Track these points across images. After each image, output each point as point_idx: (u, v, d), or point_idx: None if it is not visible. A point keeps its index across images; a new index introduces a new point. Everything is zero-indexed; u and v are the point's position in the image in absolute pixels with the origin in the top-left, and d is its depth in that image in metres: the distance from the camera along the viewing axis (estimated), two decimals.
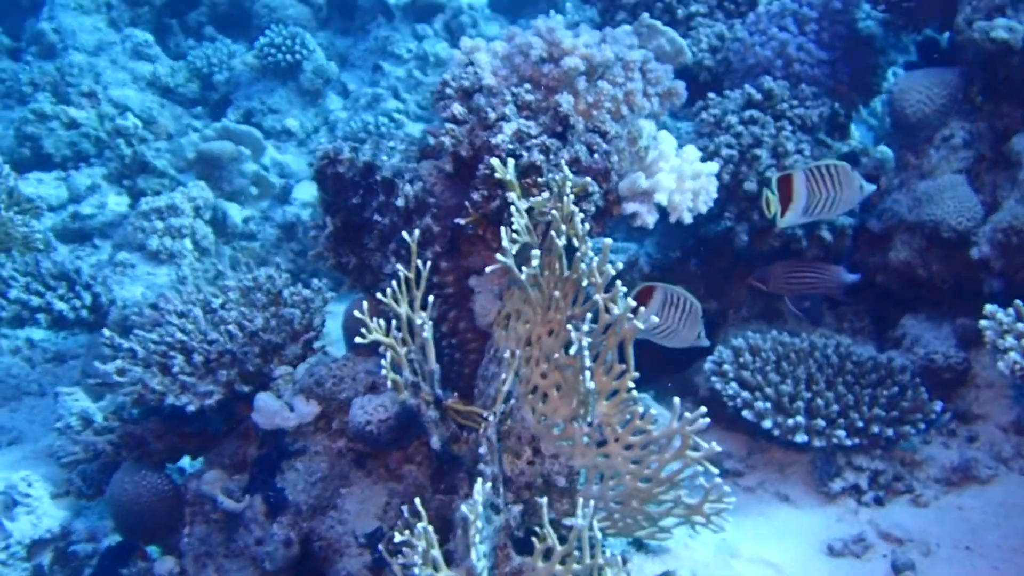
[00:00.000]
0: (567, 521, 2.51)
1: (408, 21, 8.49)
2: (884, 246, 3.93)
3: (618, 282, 2.20)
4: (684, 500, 2.36)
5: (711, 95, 3.92)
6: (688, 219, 2.68)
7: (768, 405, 3.17)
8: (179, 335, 2.99)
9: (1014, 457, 3.26)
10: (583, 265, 2.25)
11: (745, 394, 3.20)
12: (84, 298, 4.75)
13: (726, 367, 3.32)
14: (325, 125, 7.92)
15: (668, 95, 2.82)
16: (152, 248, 5.29)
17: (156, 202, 5.47)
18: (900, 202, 3.83)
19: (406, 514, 2.52)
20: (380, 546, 2.67)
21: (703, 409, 2.19)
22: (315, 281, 3.32)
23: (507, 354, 2.34)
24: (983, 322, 2.77)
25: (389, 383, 2.35)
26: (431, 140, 2.87)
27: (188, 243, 5.38)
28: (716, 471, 2.25)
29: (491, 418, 2.33)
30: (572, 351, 2.21)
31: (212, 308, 3.14)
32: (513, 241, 2.29)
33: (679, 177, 2.65)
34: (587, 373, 2.17)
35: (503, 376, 2.32)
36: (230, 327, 2.99)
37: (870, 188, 3.13)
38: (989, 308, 2.79)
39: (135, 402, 2.98)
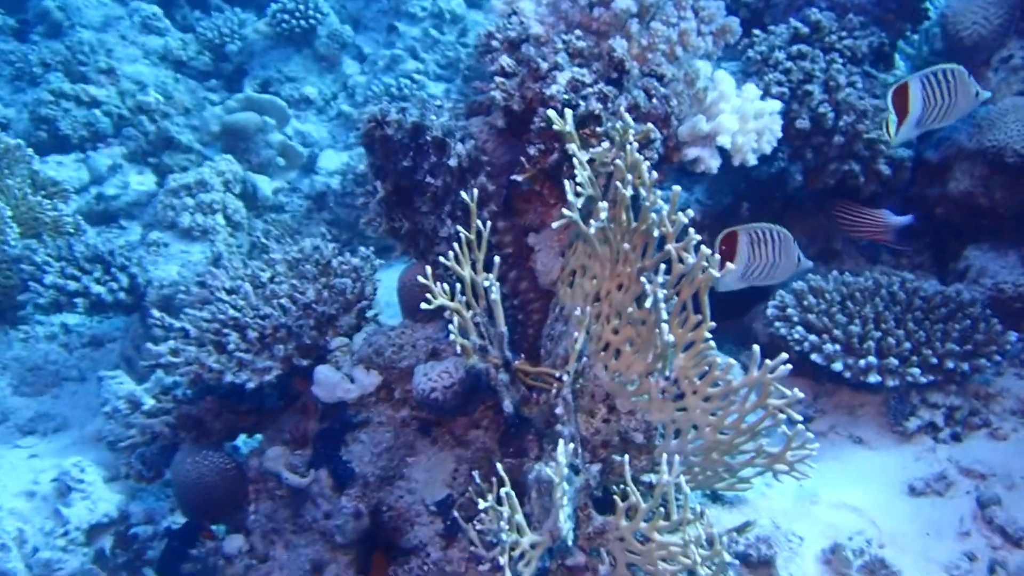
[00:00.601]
0: (645, 477, 2.51)
1: None
2: (943, 177, 3.87)
3: (691, 230, 2.15)
4: (766, 449, 2.33)
5: (755, 31, 3.85)
6: (753, 160, 2.63)
7: (838, 347, 3.14)
8: (231, 312, 2.98)
9: None
10: (653, 215, 2.21)
11: (813, 337, 3.17)
12: (120, 280, 4.75)
13: (790, 311, 3.28)
14: (344, 91, 7.86)
15: (722, 32, 2.76)
16: (184, 225, 5.29)
17: (185, 178, 5.45)
18: (959, 129, 3.76)
19: (477, 479, 2.52)
20: (454, 512, 2.67)
21: (784, 355, 2.16)
22: (362, 249, 3.30)
23: (577, 311, 2.31)
24: None
25: (458, 348, 2.33)
26: (478, 97, 2.82)
27: (220, 218, 5.37)
28: (800, 417, 2.21)
29: (565, 377, 2.30)
30: (647, 304, 2.17)
31: (261, 282, 3.13)
32: (577, 194, 2.26)
33: (741, 117, 2.60)
34: (664, 326, 2.14)
35: (574, 334, 2.29)
36: (282, 300, 2.98)
37: (986, 95, 3.00)
38: None
39: (192, 382, 2.98)
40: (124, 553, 3.77)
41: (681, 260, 2.20)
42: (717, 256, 2.16)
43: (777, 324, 3.30)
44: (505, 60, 2.62)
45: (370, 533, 2.85)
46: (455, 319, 2.33)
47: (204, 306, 3.12)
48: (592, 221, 2.20)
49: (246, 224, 5.56)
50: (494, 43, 2.71)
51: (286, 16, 7.68)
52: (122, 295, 4.75)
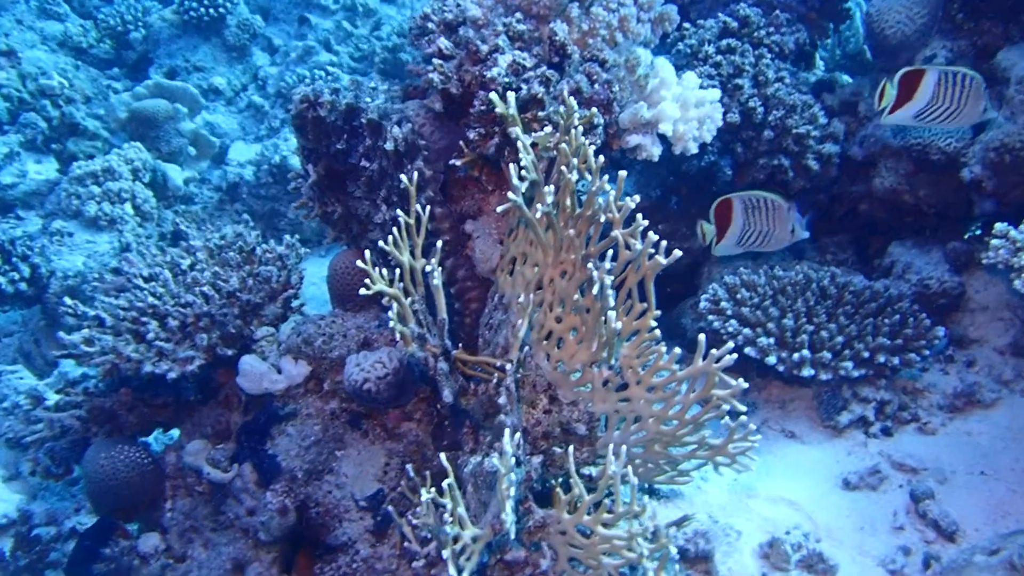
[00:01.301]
0: (586, 470, 2.48)
1: None
2: (868, 174, 3.93)
3: (639, 215, 2.13)
4: (709, 441, 2.31)
5: (686, 24, 3.86)
6: (694, 148, 2.63)
7: (771, 341, 3.15)
8: (151, 299, 2.87)
9: (1015, 379, 3.29)
10: (599, 200, 2.19)
11: (747, 331, 3.18)
12: (22, 270, 4.58)
13: (723, 304, 3.29)
14: (254, 82, 7.71)
15: (660, 20, 2.76)
16: (90, 215, 5.11)
17: (91, 166, 5.27)
18: (884, 127, 3.82)
19: (411, 473, 2.46)
20: (386, 507, 2.61)
21: (730, 344, 2.15)
22: (287, 237, 3.21)
23: (521, 298, 2.27)
24: (995, 241, 2.77)
25: (396, 335, 2.28)
26: (414, 80, 2.77)
27: (129, 208, 5.21)
28: (744, 408, 2.20)
29: (508, 366, 2.26)
30: (594, 291, 2.15)
31: (182, 270, 3.03)
32: (522, 178, 2.22)
33: (683, 105, 2.59)
34: (611, 314, 2.12)
35: (517, 322, 2.25)
36: (205, 288, 2.88)
37: (992, 115, 3.01)
38: (1000, 227, 2.79)
39: (107, 373, 2.86)
40: (25, 555, 3.62)
41: (628, 247, 2.18)
42: (663, 242, 2.15)
43: (711, 317, 3.30)
44: (443, 42, 2.57)
45: (296, 530, 2.76)
46: (394, 306, 2.28)
47: (120, 294, 3.00)
48: (538, 205, 2.17)
49: (156, 214, 5.40)
50: (430, 25, 2.66)
51: (194, 4, 7.49)
52: (23, 286, 4.58)
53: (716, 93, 2.68)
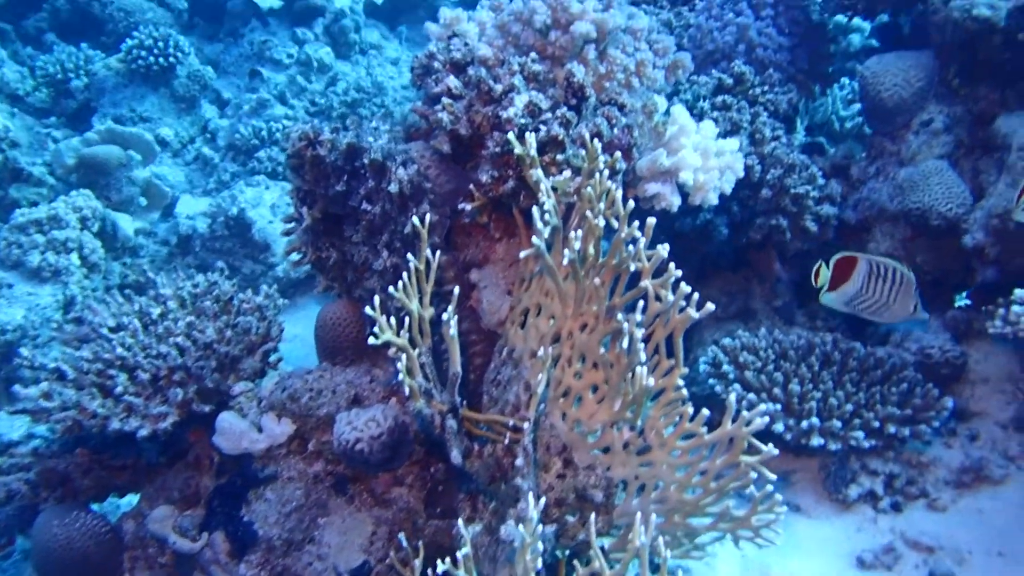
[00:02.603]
0: (598, 541, 2.34)
1: (285, 25, 8.22)
2: (862, 238, 3.89)
3: (671, 265, 2.03)
4: (732, 512, 2.19)
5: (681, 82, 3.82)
6: (714, 200, 2.55)
7: (778, 407, 3.06)
8: (119, 350, 2.70)
9: (1022, 455, 3.23)
10: (628, 248, 2.08)
11: (751, 396, 3.08)
12: None
13: (725, 368, 3.20)
14: (204, 134, 7.56)
15: (674, 68, 2.70)
16: (32, 265, 4.89)
17: (35, 213, 5.06)
18: (879, 191, 3.79)
19: (404, 543, 2.31)
20: None
21: (762, 407, 2.05)
22: (264, 287, 3.07)
23: (540, 352, 2.15)
24: (1016, 308, 2.72)
25: (406, 390, 2.14)
26: (416, 120, 2.67)
27: (75, 258, 5.00)
28: (773, 476, 2.09)
29: (526, 425, 2.13)
30: (624, 345, 2.03)
31: (152, 319, 2.86)
32: (545, 223, 2.11)
33: (703, 154, 2.51)
34: (642, 370, 2.00)
35: (537, 377, 2.13)
36: (179, 339, 2.72)
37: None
38: (1020, 293, 2.74)
39: (68, 430, 2.67)
40: None
41: (659, 298, 2.07)
42: (696, 295, 2.05)
43: (711, 381, 3.21)
44: (452, 81, 2.48)
45: None
46: (403, 357, 2.14)
47: (83, 344, 2.82)
48: (566, 251, 2.05)
49: (103, 265, 5.19)
50: (435, 64, 2.57)
51: (143, 52, 7.34)
52: None
53: (735, 143, 2.61)
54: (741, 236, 3.68)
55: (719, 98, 3.70)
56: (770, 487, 2.12)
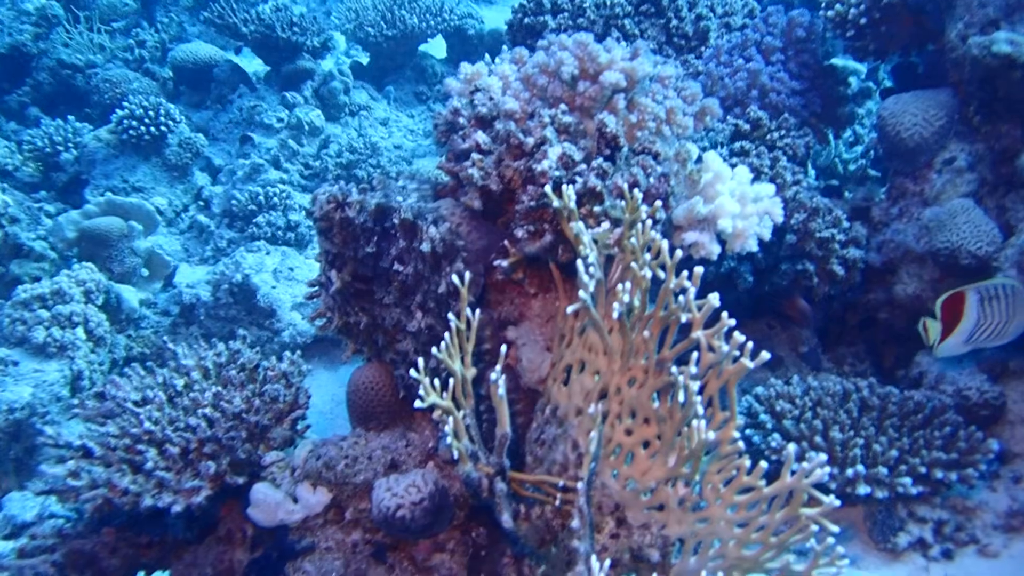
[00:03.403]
0: None
1: (273, 90, 8.25)
2: (887, 280, 3.87)
3: (724, 314, 2.01)
4: (793, 567, 2.15)
5: None
6: (754, 246, 2.53)
7: (821, 456, 3.01)
8: (147, 424, 2.65)
9: None
10: (679, 299, 2.06)
11: (792, 446, 3.03)
12: None
13: (762, 418, 3.16)
14: (197, 201, 7.55)
15: (703, 114, 2.68)
16: (38, 341, 4.85)
17: (38, 289, 5.03)
18: (904, 232, 3.79)
19: None
20: None
21: (823, 457, 2.02)
22: (288, 353, 3.03)
23: (591, 409, 2.12)
24: None
25: (454, 454, 2.10)
26: (444, 178, 2.66)
27: (81, 332, 4.96)
28: (835, 528, 2.05)
29: (580, 485, 2.09)
30: (679, 398, 2.00)
31: (177, 391, 2.82)
32: (591, 275, 2.09)
33: (740, 199, 2.50)
34: (700, 423, 1.97)
35: (591, 435, 2.09)
36: (206, 410, 2.68)
37: None
38: None
39: (98, 508, 2.62)
40: None
41: (712, 349, 2.05)
42: (750, 344, 2.02)
43: (748, 431, 3.17)
44: (480, 136, 2.47)
45: None
46: (450, 420, 2.10)
47: (107, 420, 2.78)
48: (615, 304, 2.03)
49: (109, 339, 5.15)
50: (460, 120, 2.56)
51: (133, 123, 7.34)
52: None
53: (771, 188, 2.59)
54: (764, 283, 3.66)
55: (737, 144, 3.71)
56: (831, 540, 2.07)
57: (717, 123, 3.85)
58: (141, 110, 7.33)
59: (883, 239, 3.89)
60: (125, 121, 7.37)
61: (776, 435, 3.10)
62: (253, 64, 8.54)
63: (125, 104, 7.33)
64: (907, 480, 2.94)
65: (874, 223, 3.99)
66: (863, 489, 2.93)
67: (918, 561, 3.02)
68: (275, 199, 6.93)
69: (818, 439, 3.05)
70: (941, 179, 3.75)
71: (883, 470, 2.94)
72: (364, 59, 8.87)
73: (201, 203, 7.56)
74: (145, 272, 5.88)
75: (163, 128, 7.40)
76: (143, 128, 7.38)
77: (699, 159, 2.61)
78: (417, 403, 2.06)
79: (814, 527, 2.06)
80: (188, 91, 8.44)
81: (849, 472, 2.95)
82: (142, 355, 5.35)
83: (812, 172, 4.79)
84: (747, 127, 3.76)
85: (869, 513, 3.15)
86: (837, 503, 2.00)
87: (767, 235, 2.56)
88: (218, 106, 8.30)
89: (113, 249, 5.72)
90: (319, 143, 7.92)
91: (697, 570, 2.19)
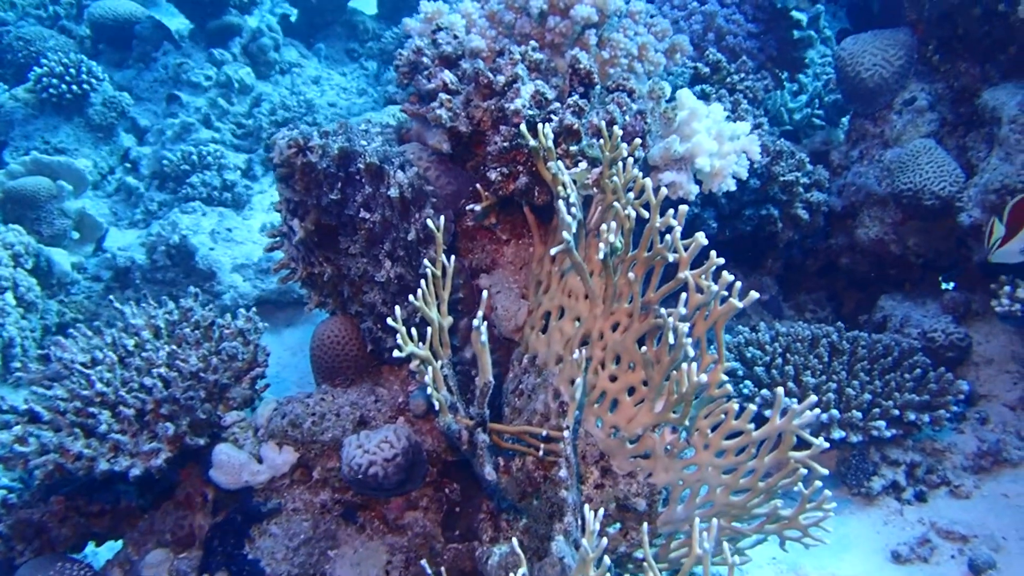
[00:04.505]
0: (638, 553, 2.26)
1: (199, 47, 8.05)
2: (848, 225, 3.88)
3: (712, 253, 1.97)
4: (780, 512, 2.12)
5: None
6: (731, 185, 2.49)
7: (794, 401, 3.00)
8: (99, 386, 2.55)
9: None
10: (665, 238, 2.01)
11: (765, 392, 3.03)
12: None
13: (733, 365, 3.14)
14: (124, 163, 7.35)
15: (673, 51, 2.64)
16: None
17: None
18: (865, 174, 3.78)
19: (428, 570, 2.20)
20: None
21: (813, 398, 2.00)
22: (243, 311, 2.94)
23: (575, 355, 2.07)
24: None
25: (435, 404, 2.05)
26: (406, 121, 2.58)
27: (10, 297, 4.79)
28: (825, 471, 2.03)
29: (566, 434, 2.04)
30: (670, 340, 1.96)
31: (128, 351, 2.72)
32: (572, 216, 2.04)
33: (718, 138, 2.45)
34: (691, 366, 1.93)
35: (576, 381, 2.04)
36: (162, 370, 2.58)
37: None
38: None
39: (48, 475, 2.51)
40: None
41: (700, 289, 2.01)
42: (738, 284, 1.98)
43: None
44: (447, 76, 2.39)
45: None
46: (429, 371, 2.04)
47: (54, 383, 2.67)
48: (600, 245, 1.98)
49: (40, 304, 4.99)
50: (424, 60, 2.48)
51: (53, 80, 7.11)
52: None
53: (747, 126, 2.55)
54: (726, 229, 3.63)
55: (697, 87, 3.67)
56: (819, 483, 2.05)
57: (675, 67, 3.81)
58: (61, 67, 7.09)
59: (844, 183, 3.89)
60: (44, 79, 7.14)
61: (747, 383, 3.08)
62: (176, 21, 8.30)
63: (43, 61, 7.09)
64: (881, 423, 2.94)
65: (833, 167, 3.98)
66: (838, 433, 2.93)
67: (892, 505, 3.03)
68: (209, 158, 6.77)
69: (791, 384, 3.04)
70: (902, 120, 3.75)
71: (857, 414, 2.94)
72: (292, 14, 8.67)
73: (128, 165, 7.35)
74: (76, 235, 5.71)
75: (85, 87, 7.17)
76: (64, 87, 7.15)
77: (672, 97, 2.56)
78: (396, 353, 1.99)
79: (803, 471, 2.04)
80: (108, 49, 8.18)
81: (824, 416, 2.94)
82: (74, 321, 5.20)
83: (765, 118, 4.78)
84: (707, 70, 3.72)
85: (843, 458, 3.15)
86: (826, 445, 1.99)
87: (744, 174, 2.52)
88: (141, 64, 8.07)
89: (42, 211, 5.54)
90: (250, 101, 7.75)
91: (685, 518, 2.17)
